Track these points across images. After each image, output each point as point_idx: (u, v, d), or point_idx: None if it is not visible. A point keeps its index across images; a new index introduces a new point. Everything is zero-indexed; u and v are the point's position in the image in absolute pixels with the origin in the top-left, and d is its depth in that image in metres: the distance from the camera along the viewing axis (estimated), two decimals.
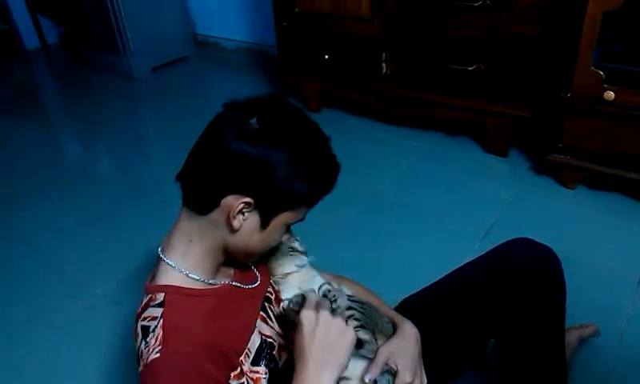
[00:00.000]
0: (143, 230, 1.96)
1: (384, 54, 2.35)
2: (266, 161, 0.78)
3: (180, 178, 0.85)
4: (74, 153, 2.84)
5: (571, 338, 1.29)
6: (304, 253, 1.00)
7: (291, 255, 0.99)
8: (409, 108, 2.41)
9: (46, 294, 1.73)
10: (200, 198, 0.82)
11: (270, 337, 0.90)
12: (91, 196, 2.27)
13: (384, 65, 2.38)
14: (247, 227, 0.83)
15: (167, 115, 2.98)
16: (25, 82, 3.91)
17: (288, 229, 0.90)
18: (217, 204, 0.81)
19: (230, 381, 0.80)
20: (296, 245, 1.00)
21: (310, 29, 2.53)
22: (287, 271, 1.00)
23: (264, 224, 0.83)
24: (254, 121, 0.79)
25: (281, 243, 0.96)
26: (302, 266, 1.00)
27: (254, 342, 0.87)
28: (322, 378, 0.77)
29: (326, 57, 2.52)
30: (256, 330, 0.88)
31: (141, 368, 0.77)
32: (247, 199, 0.80)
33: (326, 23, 2.46)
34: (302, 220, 0.89)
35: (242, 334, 0.86)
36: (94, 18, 3.50)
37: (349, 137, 2.54)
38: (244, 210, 0.81)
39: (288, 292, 0.98)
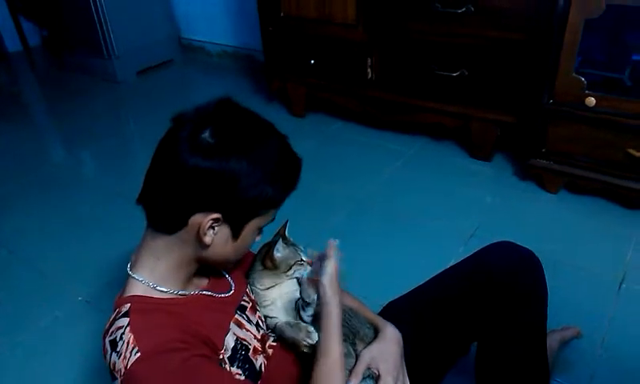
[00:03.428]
0: (127, 235, 1.91)
1: (369, 60, 2.36)
2: (227, 173, 0.76)
3: (141, 200, 0.83)
4: (57, 157, 2.80)
5: (553, 340, 1.31)
6: (309, 263, 1.00)
7: (300, 264, 0.99)
8: (394, 113, 2.42)
9: (28, 300, 1.70)
10: (165, 219, 0.81)
11: (244, 339, 0.89)
12: (74, 200, 2.24)
13: (369, 70, 2.39)
14: (219, 240, 0.82)
15: (151, 119, 2.95)
16: (7, 85, 3.85)
17: (260, 231, 0.90)
18: (184, 223, 0.80)
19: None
20: (302, 256, 1.00)
21: (296, 34, 2.54)
22: (268, 285, 0.99)
23: (235, 235, 0.83)
24: (207, 134, 0.76)
25: (282, 259, 0.97)
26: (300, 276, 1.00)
27: (229, 342, 0.86)
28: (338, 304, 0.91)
29: (312, 62, 2.53)
30: (230, 331, 0.88)
31: (120, 379, 0.74)
32: (215, 215, 0.79)
33: (312, 28, 2.46)
34: (272, 221, 0.88)
35: (216, 332, 0.85)
36: (77, 21, 3.47)
37: (334, 141, 2.54)
38: (213, 226, 0.80)
39: (272, 306, 0.98)
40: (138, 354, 0.72)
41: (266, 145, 0.82)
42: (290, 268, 0.98)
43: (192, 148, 0.76)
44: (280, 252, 0.97)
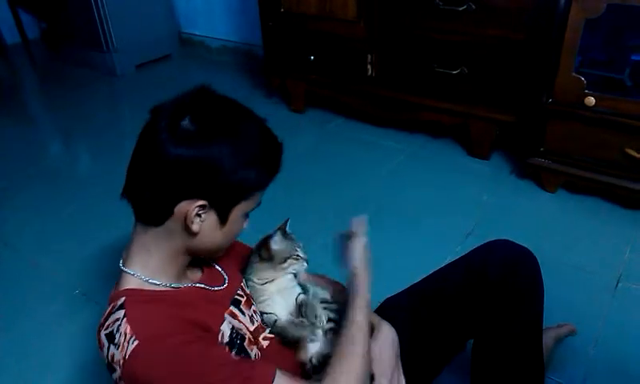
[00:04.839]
0: (123, 229, 1.92)
1: (369, 56, 2.36)
2: (209, 159, 0.76)
3: (126, 194, 0.83)
4: (54, 151, 2.79)
5: (548, 337, 1.31)
6: (305, 259, 1.01)
7: (295, 259, 0.99)
8: (394, 110, 2.42)
9: (24, 294, 1.70)
10: (151, 210, 0.81)
11: (240, 329, 0.90)
12: (71, 194, 2.23)
13: (369, 67, 2.39)
14: (207, 227, 0.82)
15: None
16: (5, 78, 3.83)
17: (246, 216, 0.89)
18: (170, 213, 0.79)
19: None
20: (299, 252, 1.00)
21: (296, 29, 2.53)
22: (265, 279, 0.99)
23: (223, 220, 0.83)
24: (186, 122, 0.76)
25: (277, 251, 0.97)
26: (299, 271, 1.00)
27: (225, 330, 0.86)
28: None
29: (312, 58, 2.52)
30: (225, 320, 0.88)
31: (119, 370, 0.74)
32: (201, 202, 0.79)
33: (312, 24, 2.46)
34: (258, 205, 0.88)
35: (212, 320, 0.85)
36: (76, 14, 3.45)
37: (334, 138, 2.54)
38: (200, 213, 0.80)
39: (269, 301, 0.98)
40: (136, 342, 0.73)
41: (245, 129, 0.82)
42: (285, 261, 0.98)
43: (172, 137, 0.76)
44: (277, 243, 0.98)
